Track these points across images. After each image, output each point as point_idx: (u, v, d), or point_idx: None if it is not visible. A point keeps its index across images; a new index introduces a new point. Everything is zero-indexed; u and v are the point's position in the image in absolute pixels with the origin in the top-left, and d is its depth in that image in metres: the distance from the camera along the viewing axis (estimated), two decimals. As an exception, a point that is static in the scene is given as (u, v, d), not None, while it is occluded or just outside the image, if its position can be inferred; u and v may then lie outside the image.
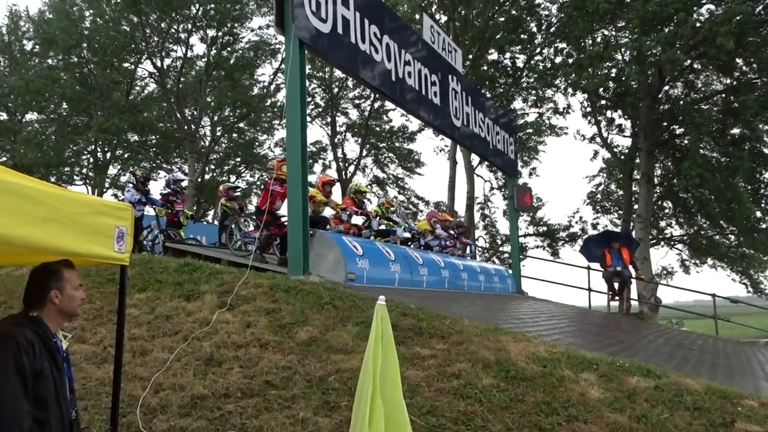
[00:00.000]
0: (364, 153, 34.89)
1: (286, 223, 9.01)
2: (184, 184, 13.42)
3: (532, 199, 24.86)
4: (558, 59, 25.98)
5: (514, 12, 26.21)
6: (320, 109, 33.69)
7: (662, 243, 29.82)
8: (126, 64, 29.67)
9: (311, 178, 15.47)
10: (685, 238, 29.38)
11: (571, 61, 23.98)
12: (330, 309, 6.46)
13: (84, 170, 32.91)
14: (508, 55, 27.24)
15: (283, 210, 9.37)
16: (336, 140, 33.81)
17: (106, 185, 29.83)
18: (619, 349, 7.97)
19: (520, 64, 27.50)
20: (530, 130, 31.51)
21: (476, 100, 14.32)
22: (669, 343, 10.34)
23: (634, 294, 20.03)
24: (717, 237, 28.15)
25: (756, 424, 4.77)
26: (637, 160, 25.45)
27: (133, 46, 28.41)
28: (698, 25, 20.01)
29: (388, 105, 32.20)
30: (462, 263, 13.16)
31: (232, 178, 34.24)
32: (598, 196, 31.86)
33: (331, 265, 8.75)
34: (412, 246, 13.06)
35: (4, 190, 2.45)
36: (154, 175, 34.73)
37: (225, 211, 12.79)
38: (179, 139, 30.92)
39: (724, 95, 23.99)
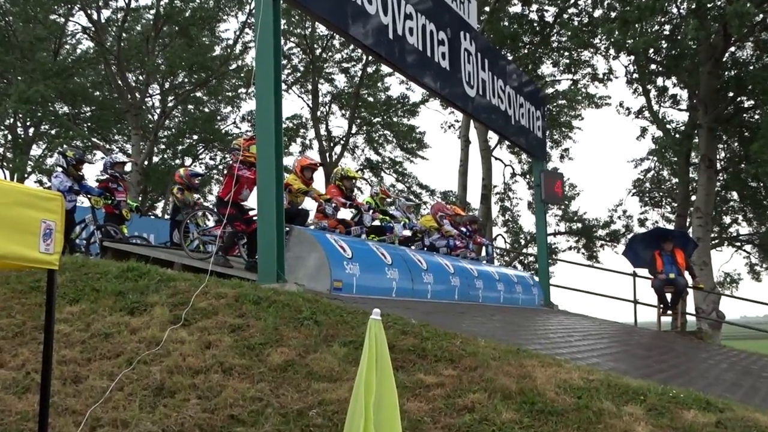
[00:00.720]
0: (354, 130, 34.91)
1: (255, 218, 8.99)
2: (128, 168, 13.39)
3: (564, 189, 24.86)
4: (597, 12, 25.99)
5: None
6: (299, 75, 33.64)
7: (726, 243, 29.95)
8: (54, 17, 29.53)
9: (287, 162, 15.43)
10: (754, 237, 29.50)
11: (613, 14, 23.99)
12: (311, 325, 6.47)
13: (0, 150, 32.81)
14: (534, 6, 27.22)
15: (252, 201, 9.36)
16: (318, 114, 33.82)
17: (28, 169, 29.72)
18: (672, 376, 8.00)
19: (549, 18, 27.50)
20: (562, 102, 31.55)
21: (495, 63, 14.32)
22: (734, 368, 10.40)
23: (690, 307, 20.15)
24: (795, 236, 28.26)
25: (842, 469, 4.80)
26: (696, 140, 25.51)
27: (62, -7, 28.29)
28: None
29: (384, 69, 32.19)
30: (476, 268, 13.20)
31: (188, 161, 34.20)
32: (647, 184, 31.94)
33: (313, 271, 8.75)
34: (413, 247, 13.05)
35: None
36: (89, 156, 34.51)
37: (176, 205, 12.79)
38: (120, 112, 30.85)
39: (804, 59, 24.04)
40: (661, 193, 32.01)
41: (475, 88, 13.21)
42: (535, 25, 27.17)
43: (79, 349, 5.98)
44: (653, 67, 26.74)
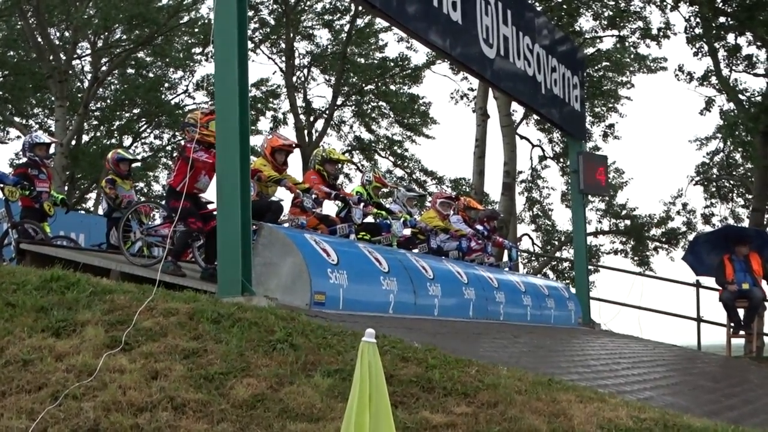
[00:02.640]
0: (340, 100, 34.86)
1: (214, 214, 8.99)
2: (51, 150, 13.38)
3: (609, 176, 24.88)
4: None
5: None
6: (269, 31, 33.57)
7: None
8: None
9: (255, 141, 15.44)
10: None
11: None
12: (286, 350, 6.48)
13: None
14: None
15: (211, 192, 9.35)
16: (294, 80, 33.77)
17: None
18: (745, 414, 8.03)
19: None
20: (606, 64, 31.53)
21: (520, 15, 14.32)
22: (824, 404, 10.45)
23: (769, 327, 20.19)
24: None
25: None
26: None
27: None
28: None
29: (379, 23, 32.16)
30: (496, 277, 13.22)
31: (126, 142, 34.13)
32: (714, 170, 31.97)
33: (288, 281, 8.76)
34: (416, 250, 13.06)
35: None
36: (0, 135, 34.39)
37: (108, 202, 12.84)
38: (41, 78, 30.74)
39: None
40: (731, 182, 32.06)
41: (494, 47, 13.21)
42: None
43: (-11, 380, 5.98)
44: (722, 20, 26.72)
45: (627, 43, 30.21)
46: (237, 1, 8.27)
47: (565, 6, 27.38)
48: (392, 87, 35.08)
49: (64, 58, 30.27)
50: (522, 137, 32.17)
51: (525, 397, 6.09)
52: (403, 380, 6.17)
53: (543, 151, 33.81)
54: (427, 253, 13.14)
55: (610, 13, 28.99)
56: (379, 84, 34.95)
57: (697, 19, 27.14)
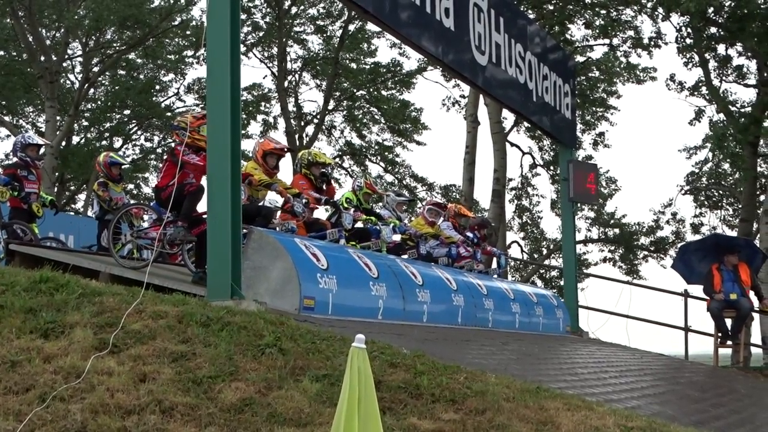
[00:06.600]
0: (332, 105, 34.87)
1: (204, 217, 8.99)
2: (42, 150, 13.36)
3: (599, 184, 24.98)
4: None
5: None
6: (261, 35, 33.56)
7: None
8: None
9: (246, 145, 15.42)
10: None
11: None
12: (274, 354, 6.48)
13: None
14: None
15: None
16: (287, 84, 33.76)
17: None
18: (732, 424, 8.06)
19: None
20: (596, 74, 31.61)
21: (512, 23, 14.37)
22: (810, 414, 10.49)
23: (755, 337, 20.24)
24: None
25: None
26: (766, 124, 25.63)
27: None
28: None
29: (371, 28, 32.20)
30: (485, 284, 13.24)
31: (117, 143, 34.08)
32: (703, 180, 32.05)
33: (277, 285, 8.76)
34: (405, 256, 13.07)
35: None
36: (-10, 135, 34.14)
37: (101, 204, 12.86)
38: (32, 78, 30.67)
39: None
40: (720, 192, 32.17)
41: (486, 54, 13.24)
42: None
43: (-23, 381, 5.97)
44: (713, 30, 26.83)
45: (618, 53, 30.31)
46: (230, 4, 8.28)
47: (556, 14, 27.47)
48: (384, 92, 35.07)
49: (55, 58, 30.20)
50: (512, 144, 32.27)
51: (513, 404, 6.11)
52: (392, 386, 6.18)
53: (533, 158, 33.92)
54: (416, 259, 13.16)
55: (602, 23, 29.07)
56: (371, 89, 34.94)
57: (688, 30, 27.25)
